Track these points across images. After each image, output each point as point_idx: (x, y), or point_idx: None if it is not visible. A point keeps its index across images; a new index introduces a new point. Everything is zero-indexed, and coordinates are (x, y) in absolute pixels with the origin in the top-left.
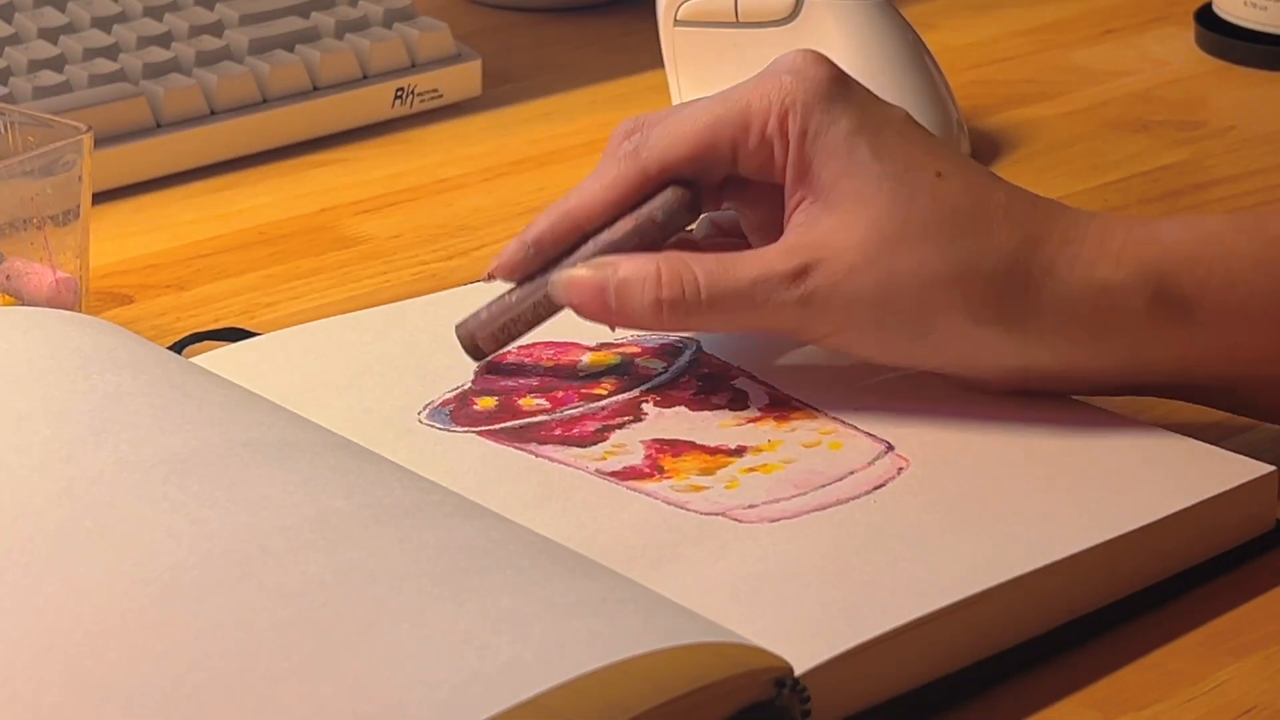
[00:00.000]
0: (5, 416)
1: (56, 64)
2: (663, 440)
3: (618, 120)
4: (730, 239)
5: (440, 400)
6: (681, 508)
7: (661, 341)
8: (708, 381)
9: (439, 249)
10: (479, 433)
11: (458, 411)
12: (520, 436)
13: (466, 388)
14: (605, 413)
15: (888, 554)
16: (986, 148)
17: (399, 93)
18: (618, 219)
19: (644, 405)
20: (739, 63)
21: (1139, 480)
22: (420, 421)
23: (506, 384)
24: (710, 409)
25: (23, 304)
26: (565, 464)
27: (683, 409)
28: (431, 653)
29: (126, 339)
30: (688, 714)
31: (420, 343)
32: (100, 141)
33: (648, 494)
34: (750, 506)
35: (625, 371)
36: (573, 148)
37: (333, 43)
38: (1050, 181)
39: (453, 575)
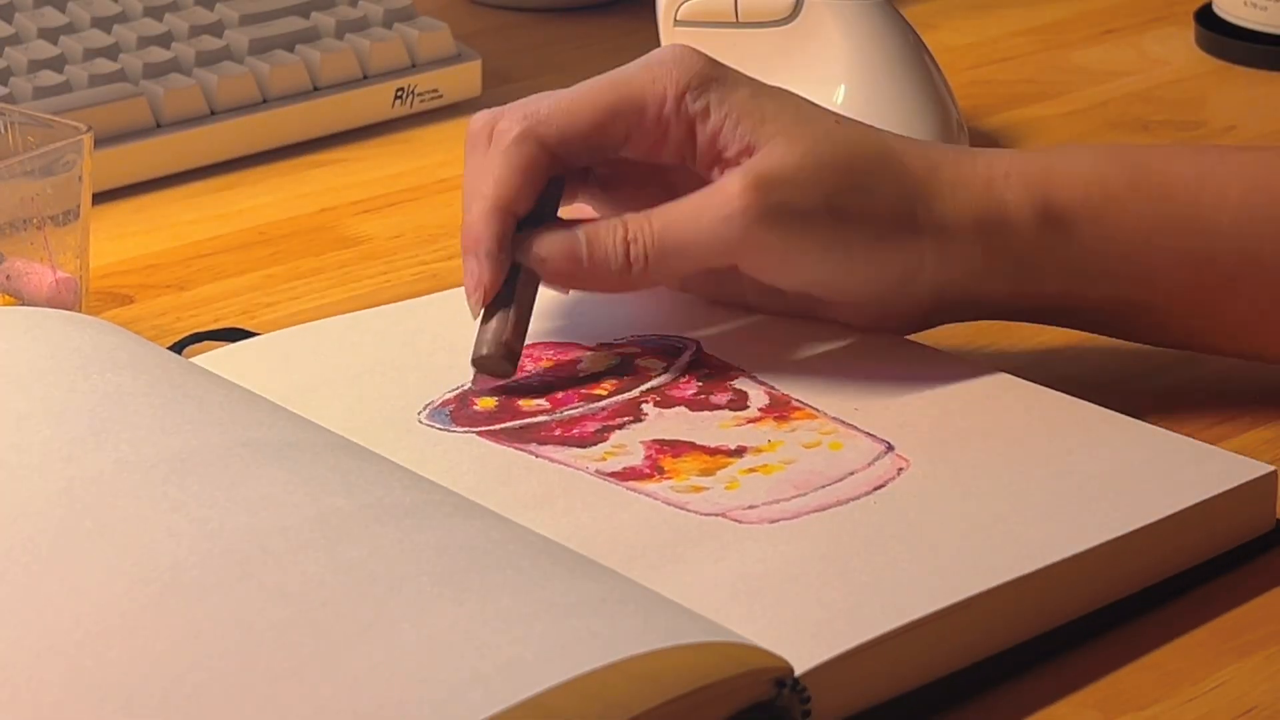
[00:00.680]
0: (5, 416)
1: (56, 64)
2: (663, 441)
3: None
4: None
5: (440, 401)
6: (681, 508)
7: (661, 342)
8: (708, 382)
9: (439, 249)
10: (479, 433)
11: (458, 412)
12: (520, 437)
13: (466, 388)
14: (605, 413)
15: (887, 554)
16: (987, 148)
17: (399, 93)
18: (541, 202)
19: (644, 406)
20: (739, 63)
21: (1139, 480)
22: (420, 422)
23: (506, 385)
24: (710, 409)
25: (23, 304)
26: (565, 464)
27: (683, 409)
28: (431, 652)
29: (126, 339)
30: (688, 714)
31: (420, 343)
32: (100, 141)
33: (648, 494)
34: (750, 507)
35: (625, 372)
36: None
37: (333, 43)
38: None
39: (453, 575)
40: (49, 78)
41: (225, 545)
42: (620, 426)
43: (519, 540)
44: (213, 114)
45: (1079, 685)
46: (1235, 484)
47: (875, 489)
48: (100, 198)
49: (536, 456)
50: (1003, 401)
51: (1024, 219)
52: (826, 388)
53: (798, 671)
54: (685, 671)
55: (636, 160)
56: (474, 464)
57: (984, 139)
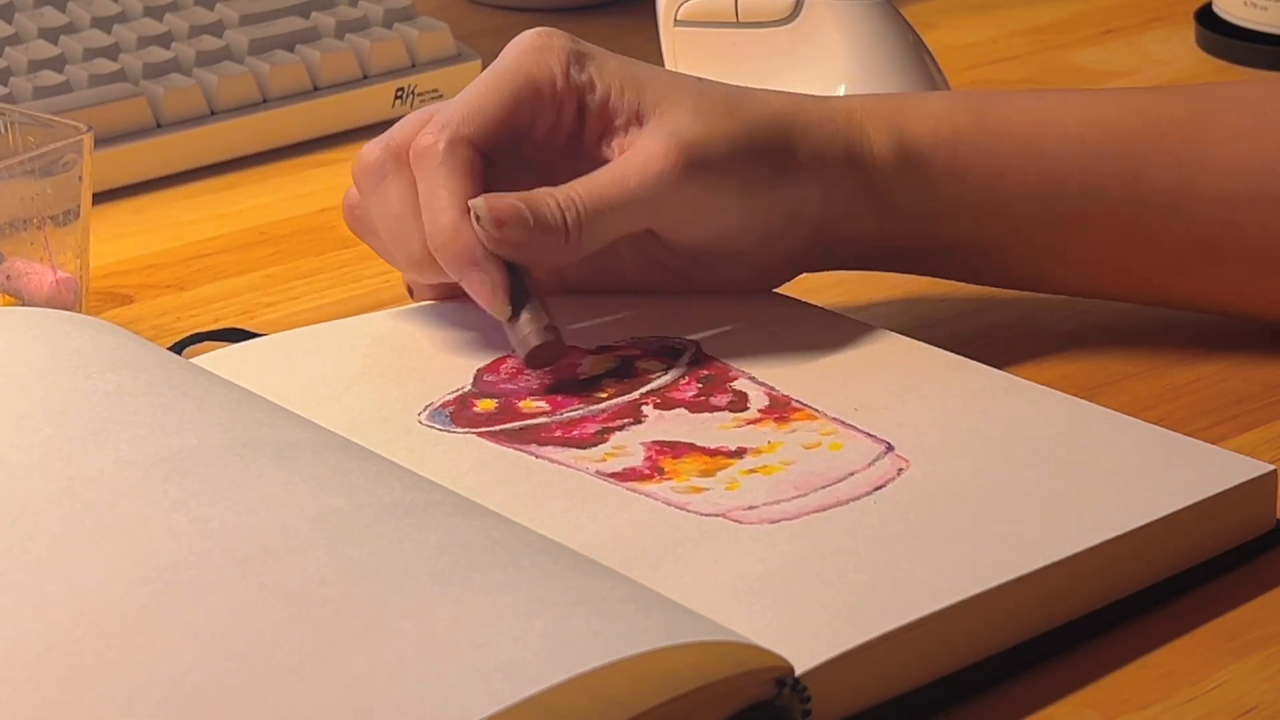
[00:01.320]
0: (5, 416)
1: (56, 64)
2: (663, 442)
3: None
4: None
5: (440, 402)
6: (682, 509)
7: (661, 344)
8: (707, 383)
9: None
10: (479, 434)
11: (458, 413)
12: (520, 438)
13: (467, 390)
14: (605, 415)
15: (888, 554)
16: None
17: (399, 93)
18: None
19: (644, 407)
20: (739, 62)
21: (1139, 480)
22: (420, 423)
23: (507, 386)
24: (710, 411)
25: (23, 304)
26: (565, 465)
27: (683, 411)
28: (432, 651)
29: (126, 339)
30: (688, 713)
31: (421, 345)
32: (100, 141)
33: (648, 495)
34: (750, 508)
35: (625, 374)
36: None
37: (333, 43)
38: None
39: (453, 574)
40: (49, 78)
41: (226, 544)
42: (620, 428)
43: (519, 539)
44: (213, 114)
45: (1079, 685)
46: (1235, 483)
47: (875, 489)
48: (100, 198)
49: (536, 457)
50: (1002, 401)
51: (884, 154)
52: (826, 388)
53: (798, 671)
54: (686, 671)
55: (532, 159)
56: (474, 465)
57: None
